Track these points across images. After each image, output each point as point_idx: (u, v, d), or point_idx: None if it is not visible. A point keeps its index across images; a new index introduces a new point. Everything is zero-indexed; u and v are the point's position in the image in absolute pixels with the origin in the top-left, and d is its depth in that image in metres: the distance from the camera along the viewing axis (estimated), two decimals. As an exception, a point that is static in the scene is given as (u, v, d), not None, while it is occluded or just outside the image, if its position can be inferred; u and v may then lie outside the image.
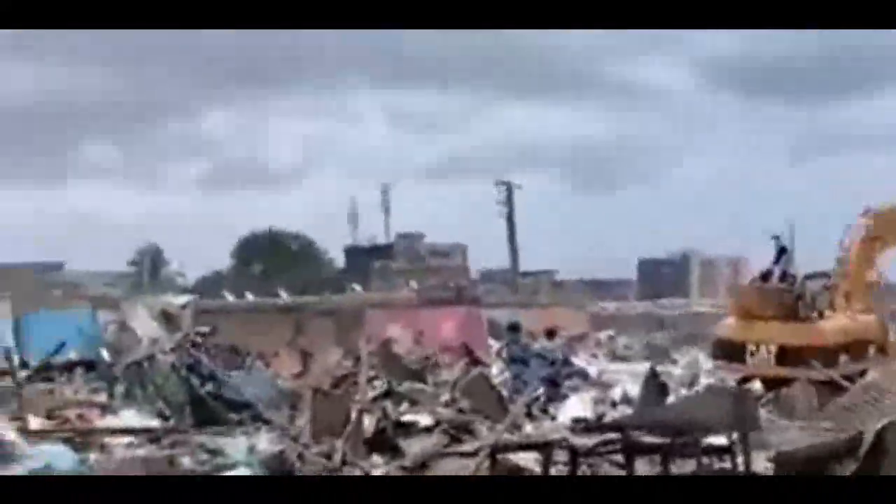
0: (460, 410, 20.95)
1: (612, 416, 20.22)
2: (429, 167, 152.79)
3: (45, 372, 25.48)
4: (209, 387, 21.79)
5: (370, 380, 22.93)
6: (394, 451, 17.55)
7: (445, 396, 22.60)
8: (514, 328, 26.29)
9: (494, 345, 32.66)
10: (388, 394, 22.19)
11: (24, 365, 27.23)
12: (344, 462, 17.15)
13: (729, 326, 26.44)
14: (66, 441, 17.61)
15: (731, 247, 76.22)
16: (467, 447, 17.32)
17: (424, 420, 19.17)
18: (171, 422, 20.58)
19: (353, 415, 18.84)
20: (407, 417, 19.31)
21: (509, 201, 75.64)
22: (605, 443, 13.58)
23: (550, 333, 26.99)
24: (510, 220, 75.48)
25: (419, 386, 24.22)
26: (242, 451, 17.50)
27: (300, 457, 17.11)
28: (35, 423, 19.20)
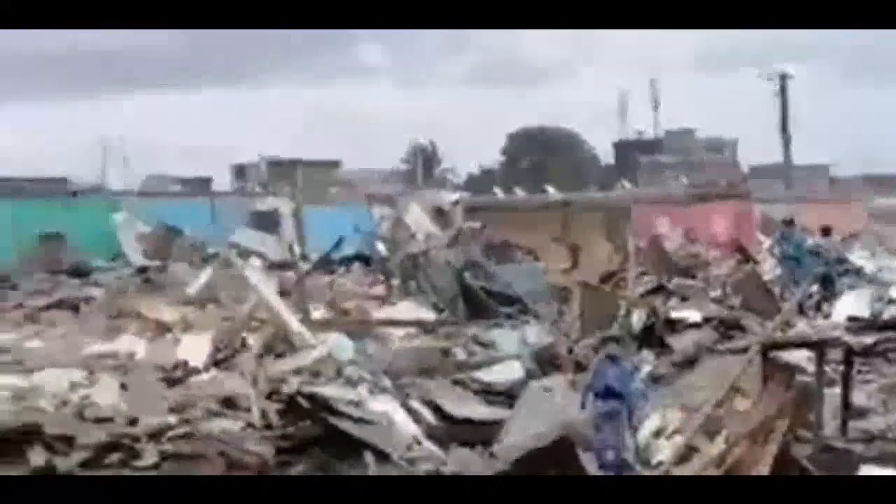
0: (731, 307, 20.75)
1: (889, 314, 19.57)
2: (699, 58, 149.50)
3: (325, 265, 26.44)
4: (481, 281, 22.18)
5: (639, 275, 22.92)
6: (662, 347, 17.57)
7: (715, 293, 22.41)
8: (788, 223, 25.60)
9: (766, 241, 31.95)
10: (657, 289, 22.15)
11: (304, 258, 28.36)
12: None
13: None
14: (346, 331, 18.27)
15: None
16: (737, 344, 17.19)
17: (694, 316, 19.06)
18: (445, 314, 21.07)
19: (622, 310, 18.93)
20: (676, 314, 19.24)
21: (783, 93, 73.20)
22: (883, 341, 13.22)
23: (825, 231, 26.14)
24: (783, 112, 73.08)
25: (689, 282, 24.06)
26: (513, 344, 17.83)
27: (570, 350, 17.34)
28: (317, 313, 19.99)
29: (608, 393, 12.54)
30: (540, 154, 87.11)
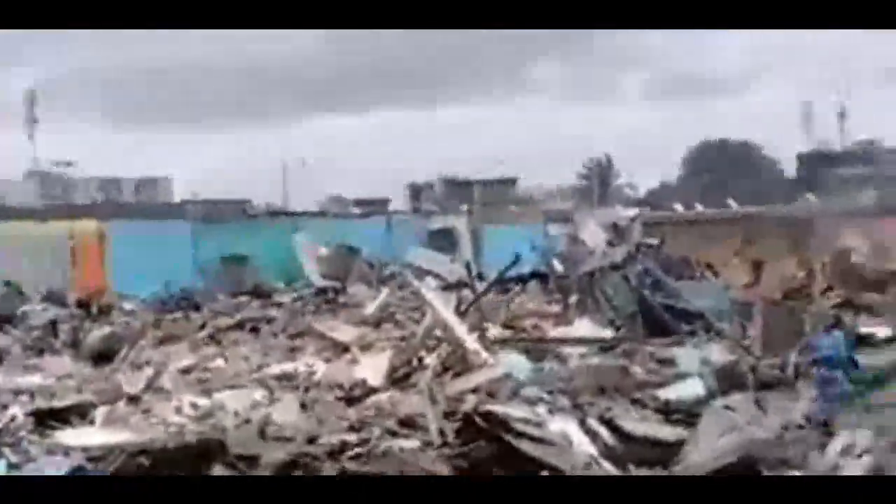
0: (924, 322, 20.01)
1: None
2: (882, 68, 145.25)
3: (501, 284, 26.38)
4: (660, 297, 21.81)
5: (825, 291, 22.29)
6: (850, 364, 16.98)
7: (907, 308, 21.66)
8: None
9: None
10: (844, 304, 21.51)
11: (480, 277, 28.36)
12: (797, 374, 16.80)
13: None
14: (523, 350, 18.17)
15: None
16: (931, 361, 16.54)
17: (884, 332, 18.45)
18: (623, 332, 20.79)
19: (808, 326, 18.40)
20: (865, 329, 18.62)
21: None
22: None
23: None
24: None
25: (878, 297, 23.30)
26: (695, 362, 17.44)
27: (753, 369, 16.89)
28: (493, 332, 19.93)
29: (825, 361, 14.45)
30: (721, 167, 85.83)
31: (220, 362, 19.57)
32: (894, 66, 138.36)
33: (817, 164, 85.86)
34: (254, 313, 26.44)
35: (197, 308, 28.64)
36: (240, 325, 24.22)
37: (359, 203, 67.27)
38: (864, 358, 16.88)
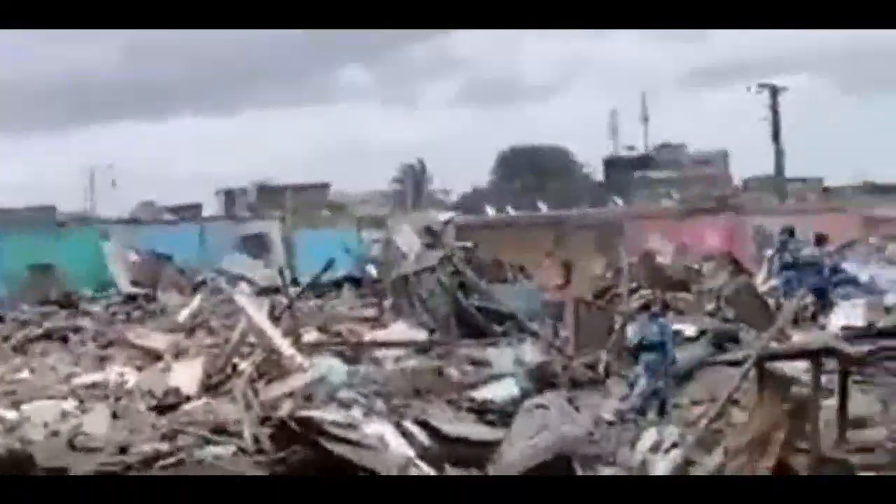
0: (725, 319, 20.66)
1: (884, 323, 19.41)
2: (683, 74, 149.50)
3: (315, 289, 26.29)
4: (473, 300, 22.04)
5: (633, 290, 22.82)
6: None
7: (710, 306, 22.32)
8: (788, 232, 25.35)
9: (768, 252, 31.79)
10: (651, 304, 22.03)
11: (294, 282, 28.21)
12: (608, 372, 17.19)
13: None
14: (339, 354, 18.15)
15: None
16: (733, 356, 17.08)
17: (688, 330, 18.98)
18: (438, 334, 20.94)
19: (617, 325, 18.85)
20: (673, 328, 19.13)
21: (774, 105, 73.17)
22: (879, 350, 13.09)
23: (820, 240, 25.95)
24: (775, 124, 73.05)
25: (683, 295, 23.95)
26: (508, 362, 17.70)
27: (565, 368, 17.22)
28: (308, 337, 19.85)
29: (650, 347, 15.30)
30: (531, 172, 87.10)
31: (26, 373, 19.05)
32: (694, 71, 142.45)
33: (624, 169, 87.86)
34: (61, 323, 25.76)
35: (1, 319, 27.78)
36: (47, 335, 23.56)
37: (171, 209, 66.20)
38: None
